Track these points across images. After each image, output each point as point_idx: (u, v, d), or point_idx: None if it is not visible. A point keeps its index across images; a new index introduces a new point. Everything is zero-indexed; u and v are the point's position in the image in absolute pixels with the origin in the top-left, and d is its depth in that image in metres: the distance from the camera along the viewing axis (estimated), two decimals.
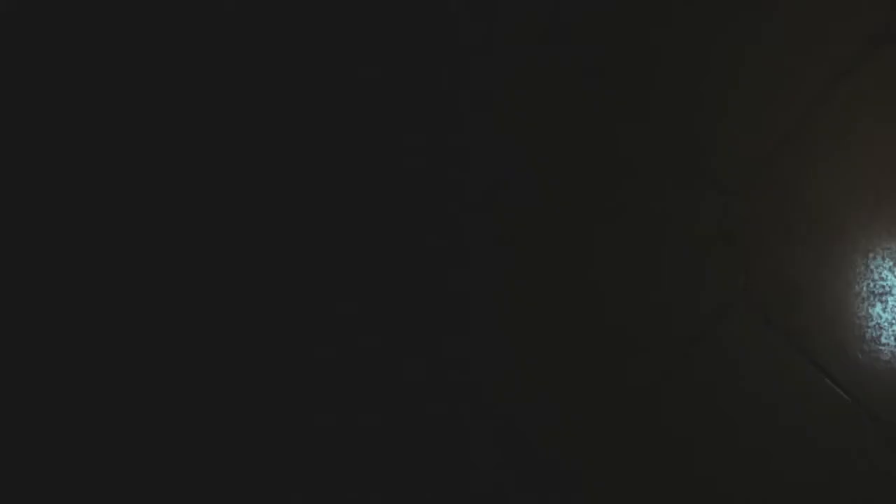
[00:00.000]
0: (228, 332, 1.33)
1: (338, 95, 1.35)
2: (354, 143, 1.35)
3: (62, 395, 1.32)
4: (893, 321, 1.24)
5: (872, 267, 1.25)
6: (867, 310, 1.25)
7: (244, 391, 1.32)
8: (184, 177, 1.36)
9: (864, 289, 1.25)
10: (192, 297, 1.34)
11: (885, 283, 1.25)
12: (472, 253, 1.31)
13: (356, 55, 1.35)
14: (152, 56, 1.37)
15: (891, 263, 1.25)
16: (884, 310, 1.24)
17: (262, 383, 1.32)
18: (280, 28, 1.37)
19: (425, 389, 1.29)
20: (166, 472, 1.31)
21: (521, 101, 1.32)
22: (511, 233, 1.30)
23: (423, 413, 1.29)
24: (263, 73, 1.36)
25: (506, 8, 1.34)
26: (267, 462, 1.30)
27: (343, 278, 1.32)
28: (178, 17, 1.37)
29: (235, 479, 1.30)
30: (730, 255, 1.27)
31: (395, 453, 1.29)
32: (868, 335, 1.24)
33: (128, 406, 1.32)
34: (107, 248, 1.35)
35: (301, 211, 1.34)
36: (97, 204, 1.36)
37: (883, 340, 1.24)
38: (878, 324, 1.24)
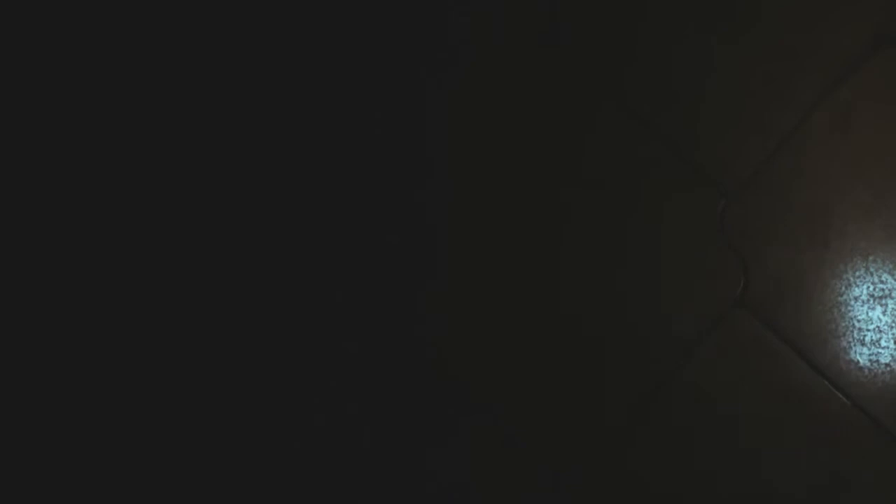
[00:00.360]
0: (218, 333, 1.33)
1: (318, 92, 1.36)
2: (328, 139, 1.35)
3: (77, 388, 1.33)
4: (894, 324, 1.23)
5: (872, 269, 1.24)
6: (867, 313, 1.24)
7: (226, 393, 1.32)
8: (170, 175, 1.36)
9: (865, 291, 1.24)
10: (179, 299, 1.34)
11: (885, 286, 1.24)
12: (452, 255, 1.31)
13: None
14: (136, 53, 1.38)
15: (891, 266, 1.24)
16: (884, 313, 1.24)
17: (245, 385, 1.32)
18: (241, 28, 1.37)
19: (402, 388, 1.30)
20: (163, 472, 1.32)
21: (511, 99, 1.32)
22: (500, 233, 1.30)
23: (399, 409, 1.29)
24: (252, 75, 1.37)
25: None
26: (256, 464, 1.31)
27: (311, 281, 1.32)
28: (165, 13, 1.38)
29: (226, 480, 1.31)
30: (728, 257, 1.26)
31: (374, 458, 1.29)
32: (868, 338, 1.24)
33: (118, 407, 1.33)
34: (115, 249, 1.35)
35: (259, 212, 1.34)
36: (102, 202, 1.36)
37: (883, 343, 1.23)
38: (878, 327, 1.24)
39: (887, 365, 1.23)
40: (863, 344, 1.24)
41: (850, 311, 1.24)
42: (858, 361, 1.24)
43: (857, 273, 1.24)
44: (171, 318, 1.33)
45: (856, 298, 1.24)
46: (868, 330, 1.24)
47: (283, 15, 1.37)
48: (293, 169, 1.34)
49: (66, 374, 1.33)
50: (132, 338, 1.33)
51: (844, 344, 1.24)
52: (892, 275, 1.24)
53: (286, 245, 1.33)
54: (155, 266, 1.34)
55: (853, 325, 1.24)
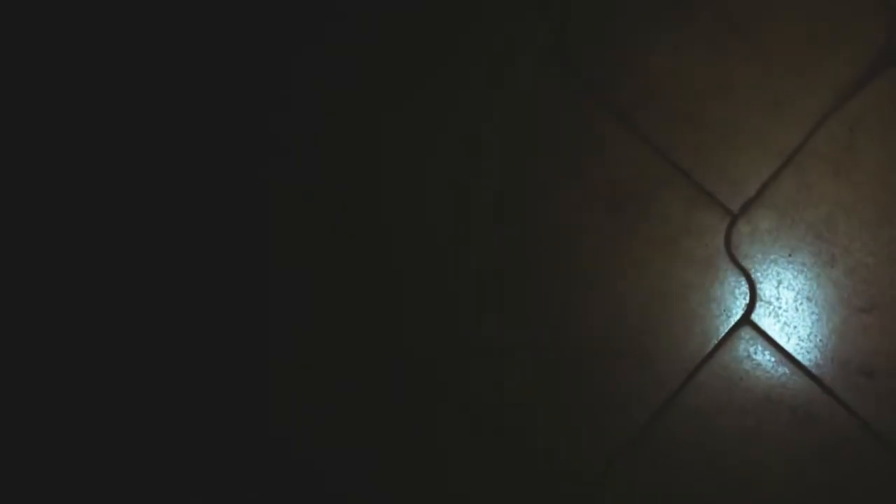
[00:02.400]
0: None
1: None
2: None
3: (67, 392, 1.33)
4: None
5: (878, 286, 1.25)
6: (875, 329, 1.24)
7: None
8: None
9: (871, 308, 1.24)
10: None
11: (891, 303, 1.24)
12: (449, 257, 1.31)
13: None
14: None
15: None
16: (891, 329, 1.24)
17: None
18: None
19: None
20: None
21: (516, 117, 1.32)
22: (503, 244, 1.30)
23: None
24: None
25: None
26: None
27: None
28: None
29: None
30: (734, 275, 1.27)
31: None
32: (875, 355, 1.24)
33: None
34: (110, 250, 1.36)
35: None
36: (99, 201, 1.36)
37: (890, 360, 1.23)
38: (885, 343, 1.24)
39: (894, 379, 1.23)
40: (870, 361, 1.24)
41: (856, 327, 1.25)
42: (865, 378, 1.24)
43: (863, 290, 1.25)
44: (161, 319, 1.34)
45: (861, 314, 1.24)
46: (875, 346, 1.24)
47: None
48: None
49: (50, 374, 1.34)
50: (121, 339, 1.34)
51: (851, 360, 1.24)
52: None
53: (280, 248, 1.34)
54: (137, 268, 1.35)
55: (860, 342, 1.24)
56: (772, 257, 1.27)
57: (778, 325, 1.26)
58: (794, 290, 1.26)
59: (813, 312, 1.25)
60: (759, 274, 1.27)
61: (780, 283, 1.26)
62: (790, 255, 1.26)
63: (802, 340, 1.25)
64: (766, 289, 1.26)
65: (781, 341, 1.25)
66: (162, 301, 1.34)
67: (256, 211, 1.34)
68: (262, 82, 1.37)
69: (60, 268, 1.34)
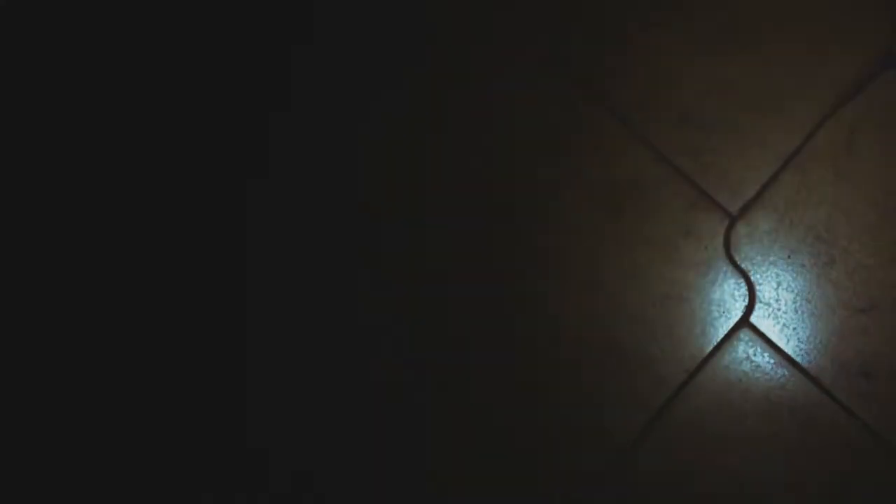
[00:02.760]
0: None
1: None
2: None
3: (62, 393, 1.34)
4: None
5: (878, 287, 1.24)
6: (875, 331, 1.24)
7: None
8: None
9: (870, 309, 1.24)
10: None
11: (890, 304, 1.24)
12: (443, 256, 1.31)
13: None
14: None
15: None
16: (890, 330, 1.24)
17: None
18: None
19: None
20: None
21: (514, 120, 1.32)
22: (500, 251, 1.30)
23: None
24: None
25: None
26: None
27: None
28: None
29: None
30: (734, 277, 1.27)
31: None
32: (875, 356, 1.24)
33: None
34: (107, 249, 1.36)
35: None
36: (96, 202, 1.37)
37: (890, 361, 1.23)
38: (885, 344, 1.23)
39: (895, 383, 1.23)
40: (869, 362, 1.23)
41: (856, 329, 1.24)
42: (864, 380, 1.24)
43: (863, 291, 1.25)
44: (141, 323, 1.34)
45: (860, 315, 1.24)
46: (875, 348, 1.24)
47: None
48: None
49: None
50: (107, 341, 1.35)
51: (851, 362, 1.24)
52: None
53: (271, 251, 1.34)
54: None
55: (859, 344, 1.24)
56: (771, 259, 1.27)
57: (777, 327, 1.26)
58: (793, 291, 1.26)
59: (812, 314, 1.25)
60: (758, 275, 1.27)
61: (779, 284, 1.26)
62: (789, 257, 1.26)
63: (802, 342, 1.25)
64: (766, 290, 1.26)
65: (781, 343, 1.25)
66: (161, 300, 1.34)
67: (256, 211, 1.34)
68: (262, 82, 1.37)
69: (61, 269, 1.35)
